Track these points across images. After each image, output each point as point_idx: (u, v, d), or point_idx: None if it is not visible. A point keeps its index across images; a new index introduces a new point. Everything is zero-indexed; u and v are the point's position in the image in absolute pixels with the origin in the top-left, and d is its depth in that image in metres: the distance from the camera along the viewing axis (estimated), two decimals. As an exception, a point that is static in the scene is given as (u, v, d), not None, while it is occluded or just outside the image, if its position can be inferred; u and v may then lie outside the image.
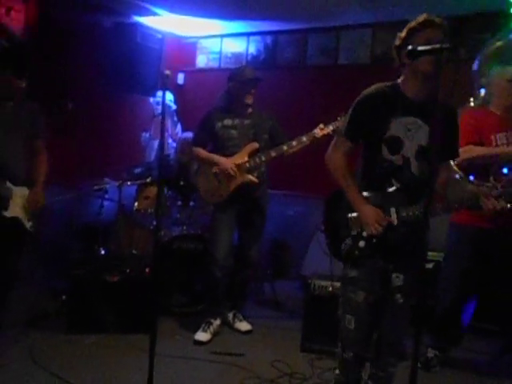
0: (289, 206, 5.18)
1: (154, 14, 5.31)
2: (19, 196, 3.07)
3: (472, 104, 3.76)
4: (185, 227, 4.28)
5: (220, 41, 6.16)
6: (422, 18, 2.17)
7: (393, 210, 2.24)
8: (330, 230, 2.44)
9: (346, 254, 2.29)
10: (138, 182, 4.58)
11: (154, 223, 4.13)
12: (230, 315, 3.84)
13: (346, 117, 2.33)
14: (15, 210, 3.04)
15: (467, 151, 2.93)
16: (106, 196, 4.48)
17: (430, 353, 3.25)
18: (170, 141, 5.52)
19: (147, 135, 5.70)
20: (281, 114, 3.90)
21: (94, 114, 5.22)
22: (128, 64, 5.12)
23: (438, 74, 1.97)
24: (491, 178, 2.66)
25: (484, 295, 3.35)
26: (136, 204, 4.50)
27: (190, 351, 3.35)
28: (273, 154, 3.48)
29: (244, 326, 3.79)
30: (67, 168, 4.78)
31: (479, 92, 3.80)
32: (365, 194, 2.29)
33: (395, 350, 2.38)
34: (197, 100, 5.95)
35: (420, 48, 1.95)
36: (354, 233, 2.28)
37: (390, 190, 2.25)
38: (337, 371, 2.44)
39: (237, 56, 6.04)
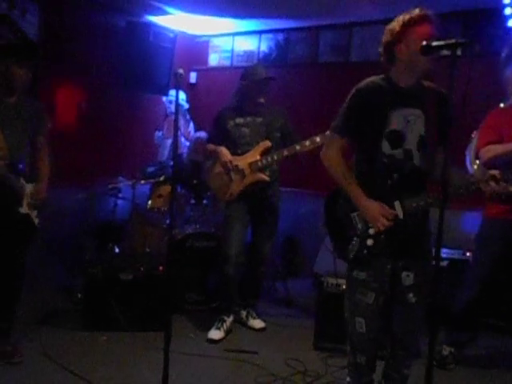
0: (301, 204, 5.16)
1: (167, 13, 5.33)
2: (28, 193, 3.09)
3: (502, 105, 3.70)
4: (198, 225, 4.30)
5: (232, 39, 6.16)
6: (416, 12, 2.09)
7: (397, 203, 2.16)
8: (332, 232, 2.36)
9: (355, 255, 2.21)
10: (152, 180, 4.62)
11: (168, 221, 4.15)
12: (244, 313, 3.85)
13: (340, 113, 2.24)
14: (26, 206, 3.07)
15: (490, 150, 2.96)
16: (120, 195, 4.52)
17: (445, 350, 3.22)
18: (182, 139, 5.55)
19: (160, 134, 5.72)
20: (292, 111, 3.88)
21: (108, 113, 5.25)
22: (141, 63, 5.13)
23: (451, 72, 1.79)
24: None
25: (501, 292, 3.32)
26: (149, 202, 4.54)
27: (204, 349, 3.37)
28: (285, 153, 3.47)
29: (258, 323, 3.80)
30: (81, 167, 4.82)
31: None
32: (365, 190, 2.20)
33: (410, 352, 2.32)
34: (209, 98, 5.96)
35: (435, 43, 1.88)
36: (359, 232, 2.21)
37: (391, 183, 2.17)
38: (348, 379, 2.37)
39: (248, 54, 6.04)
